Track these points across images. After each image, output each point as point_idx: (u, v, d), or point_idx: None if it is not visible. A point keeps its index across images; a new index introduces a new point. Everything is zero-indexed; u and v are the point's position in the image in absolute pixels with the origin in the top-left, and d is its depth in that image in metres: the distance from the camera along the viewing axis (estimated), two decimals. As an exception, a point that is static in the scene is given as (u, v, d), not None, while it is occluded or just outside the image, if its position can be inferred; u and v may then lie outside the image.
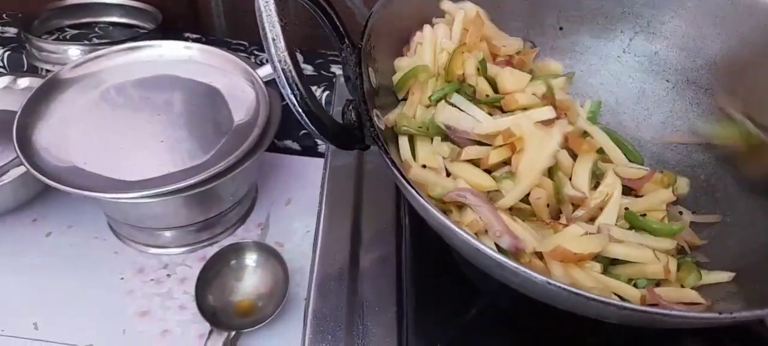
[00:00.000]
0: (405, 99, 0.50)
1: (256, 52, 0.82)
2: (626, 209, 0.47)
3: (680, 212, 0.51)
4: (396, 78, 0.50)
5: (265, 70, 0.66)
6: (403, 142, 0.47)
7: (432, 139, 0.47)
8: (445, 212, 0.39)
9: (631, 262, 0.44)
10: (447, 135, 0.47)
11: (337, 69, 0.82)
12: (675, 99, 0.56)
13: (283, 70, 0.37)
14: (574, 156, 0.48)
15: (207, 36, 0.85)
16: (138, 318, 0.57)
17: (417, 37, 0.52)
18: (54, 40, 0.83)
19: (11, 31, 0.85)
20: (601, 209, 0.46)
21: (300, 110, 0.38)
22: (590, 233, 0.43)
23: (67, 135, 0.59)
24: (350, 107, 0.43)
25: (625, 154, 0.53)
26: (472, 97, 0.48)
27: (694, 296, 0.43)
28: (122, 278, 0.61)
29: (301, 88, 0.38)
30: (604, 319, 0.36)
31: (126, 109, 0.63)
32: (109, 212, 0.63)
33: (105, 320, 0.57)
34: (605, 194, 0.47)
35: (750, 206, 0.50)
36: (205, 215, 0.62)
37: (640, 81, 0.58)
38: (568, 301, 0.35)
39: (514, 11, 0.57)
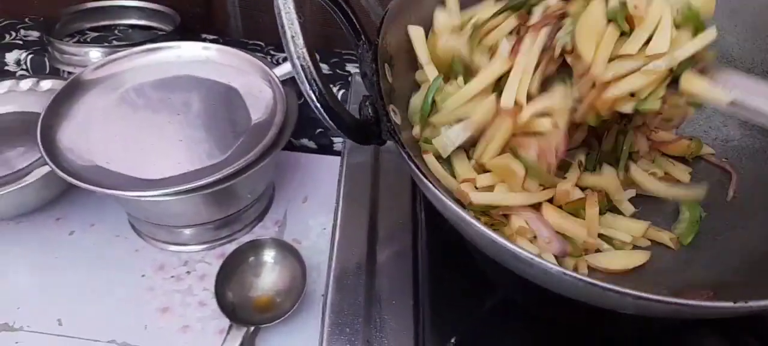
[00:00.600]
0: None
1: (272, 52, 0.83)
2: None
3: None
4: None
5: (282, 70, 0.67)
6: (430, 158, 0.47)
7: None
8: (492, 225, 0.40)
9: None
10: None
11: (352, 67, 0.82)
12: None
13: (302, 66, 0.38)
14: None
15: (224, 37, 0.86)
16: (159, 314, 0.58)
17: None
18: (75, 42, 0.84)
19: (34, 34, 0.86)
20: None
21: (319, 106, 0.39)
22: None
23: (90, 135, 0.60)
24: (367, 103, 0.43)
25: None
26: None
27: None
28: (143, 275, 0.62)
29: (320, 85, 0.38)
30: (620, 310, 0.36)
31: (146, 109, 0.64)
32: (131, 210, 0.65)
33: (127, 316, 0.58)
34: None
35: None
36: (224, 212, 0.63)
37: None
38: (584, 292, 0.35)
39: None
